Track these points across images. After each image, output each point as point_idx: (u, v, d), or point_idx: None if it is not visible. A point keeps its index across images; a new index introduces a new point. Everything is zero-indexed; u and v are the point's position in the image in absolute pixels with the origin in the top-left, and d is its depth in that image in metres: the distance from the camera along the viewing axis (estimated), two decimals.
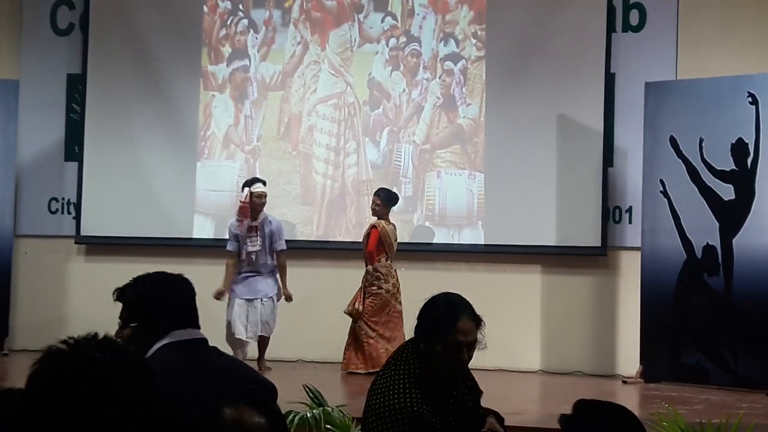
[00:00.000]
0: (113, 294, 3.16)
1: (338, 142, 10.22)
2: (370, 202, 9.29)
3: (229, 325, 8.99)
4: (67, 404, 1.70)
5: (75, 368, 1.73)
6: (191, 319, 3.17)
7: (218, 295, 8.97)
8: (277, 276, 9.19)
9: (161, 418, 1.81)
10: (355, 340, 9.08)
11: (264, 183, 9.25)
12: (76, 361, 1.74)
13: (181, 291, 3.18)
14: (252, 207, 9.07)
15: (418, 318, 3.50)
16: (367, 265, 9.13)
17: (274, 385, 3.15)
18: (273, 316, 9.10)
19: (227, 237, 9.25)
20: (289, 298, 9.14)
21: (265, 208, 9.17)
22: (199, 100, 10.44)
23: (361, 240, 9.35)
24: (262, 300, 9.03)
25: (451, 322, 3.40)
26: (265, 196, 9.15)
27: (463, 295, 3.62)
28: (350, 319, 9.17)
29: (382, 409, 3.40)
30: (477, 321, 3.46)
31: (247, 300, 9.01)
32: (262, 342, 9.14)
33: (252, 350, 9.18)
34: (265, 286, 9.08)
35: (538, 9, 9.85)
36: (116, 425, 1.72)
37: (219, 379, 2.90)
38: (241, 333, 8.96)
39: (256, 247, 9.03)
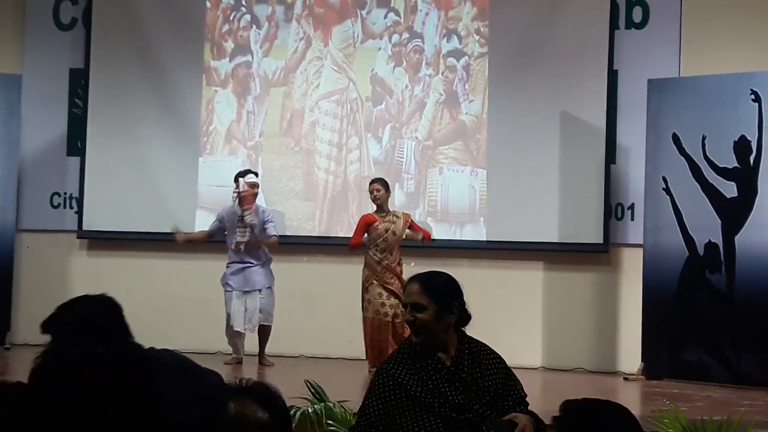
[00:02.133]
0: (40, 328, 3.08)
1: (340, 138, 10.21)
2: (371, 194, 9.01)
3: (228, 318, 9.01)
4: (69, 399, 1.71)
5: (78, 363, 1.73)
6: (124, 332, 3.16)
7: (176, 234, 9.18)
8: (272, 267, 9.17)
9: (162, 413, 1.81)
10: (394, 335, 8.57)
11: (256, 174, 9.27)
12: (79, 356, 1.74)
13: (107, 309, 3.19)
14: (253, 198, 9.09)
15: None
16: (391, 254, 8.73)
17: (220, 374, 3.27)
18: (272, 307, 9.09)
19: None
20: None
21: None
22: (202, 96, 10.44)
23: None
24: (260, 291, 9.02)
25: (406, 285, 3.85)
26: (258, 186, 9.16)
27: (466, 291, 3.79)
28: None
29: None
30: (427, 289, 3.74)
31: (245, 292, 9.01)
32: (263, 333, 9.12)
33: (253, 345, 9.18)
34: (261, 277, 9.06)
35: (541, 5, 9.84)
36: (118, 420, 1.72)
37: (175, 381, 2.89)
38: (240, 325, 8.98)
39: (245, 237, 9.01)
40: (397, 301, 8.44)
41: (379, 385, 3.66)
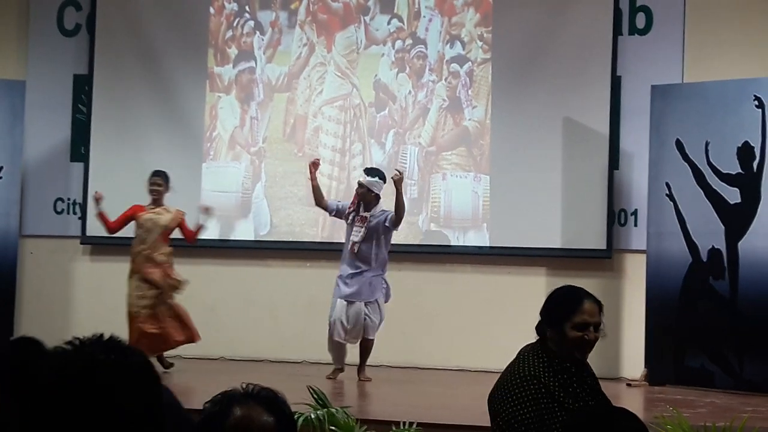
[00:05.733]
0: None
1: (344, 143, 10.22)
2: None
3: (330, 326, 8.69)
4: (71, 405, 1.71)
5: (79, 369, 1.73)
6: None
7: (314, 167, 8.75)
8: (385, 276, 8.73)
9: (165, 421, 1.81)
10: (176, 315, 8.83)
11: (379, 176, 8.71)
12: (81, 363, 1.74)
13: None
14: (359, 197, 8.72)
15: (546, 307, 3.92)
16: (167, 246, 9.01)
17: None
18: (376, 319, 8.63)
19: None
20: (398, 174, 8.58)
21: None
22: (205, 102, 10.45)
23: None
24: (365, 303, 8.60)
25: (577, 304, 3.83)
26: (367, 186, 8.63)
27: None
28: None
29: (514, 380, 3.75)
30: (600, 306, 3.87)
31: (349, 302, 8.61)
32: (364, 347, 8.74)
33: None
34: (369, 288, 8.62)
35: (545, 11, 9.85)
36: (120, 427, 1.72)
37: None
38: (339, 335, 8.61)
39: (358, 237, 8.59)
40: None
41: (537, 399, 3.66)
